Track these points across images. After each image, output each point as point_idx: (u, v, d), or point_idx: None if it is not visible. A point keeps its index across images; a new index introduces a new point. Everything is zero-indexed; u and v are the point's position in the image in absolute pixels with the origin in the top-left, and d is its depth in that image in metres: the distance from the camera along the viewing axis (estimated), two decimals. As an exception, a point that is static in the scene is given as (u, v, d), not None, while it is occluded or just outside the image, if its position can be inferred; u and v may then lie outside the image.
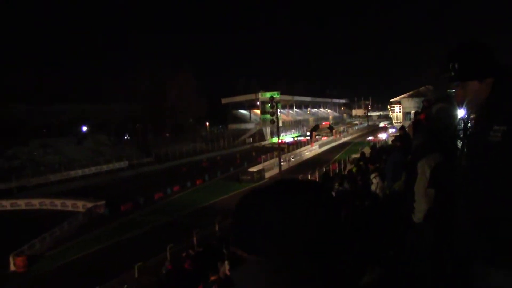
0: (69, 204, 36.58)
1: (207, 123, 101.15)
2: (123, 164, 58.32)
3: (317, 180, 32.38)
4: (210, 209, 34.01)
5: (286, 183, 1.12)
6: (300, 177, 35.77)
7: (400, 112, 58.60)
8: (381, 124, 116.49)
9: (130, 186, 44.53)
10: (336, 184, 12.83)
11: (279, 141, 49.07)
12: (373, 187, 9.08)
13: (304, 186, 1.10)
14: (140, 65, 79.36)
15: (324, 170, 39.57)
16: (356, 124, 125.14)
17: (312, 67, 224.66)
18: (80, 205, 35.80)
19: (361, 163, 14.73)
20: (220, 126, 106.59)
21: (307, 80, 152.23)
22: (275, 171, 49.42)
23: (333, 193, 11.32)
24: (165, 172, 54.16)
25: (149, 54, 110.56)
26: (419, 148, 3.83)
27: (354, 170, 14.50)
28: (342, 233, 1.03)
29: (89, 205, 35.13)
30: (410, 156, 4.61)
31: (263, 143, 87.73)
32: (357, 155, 34.78)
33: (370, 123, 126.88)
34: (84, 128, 72.32)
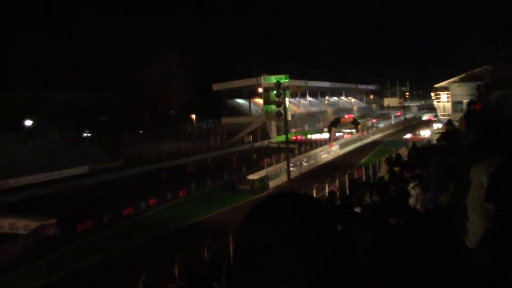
0: (5, 225, 35.66)
1: (194, 116, 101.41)
2: (82, 169, 58.29)
3: (335, 190, 32.36)
4: (197, 228, 33.99)
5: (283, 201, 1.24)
6: (314, 188, 35.80)
7: (448, 101, 58.59)
8: (425, 117, 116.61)
9: (91, 198, 44.44)
10: (367, 195, 12.74)
11: (295, 137, 49.16)
12: (411, 201, 8.99)
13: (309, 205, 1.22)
14: (111, 43, 79.86)
15: (346, 178, 39.50)
16: (389, 117, 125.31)
17: (331, 44, 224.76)
18: (22, 225, 35.04)
19: (396, 168, 14.65)
20: (211, 120, 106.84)
21: (325, 61, 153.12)
22: (282, 178, 49.36)
23: (358, 209, 11.27)
24: (139, 179, 54.01)
25: (123, 28, 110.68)
26: (472, 149, 3.76)
27: (386, 177, 14.42)
28: (353, 259, 1.19)
29: (34, 224, 34.29)
30: (460, 159, 4.53)
31: (266, 142, 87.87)
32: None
33: (408, 115, 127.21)
34: (30, 122, 71.33)
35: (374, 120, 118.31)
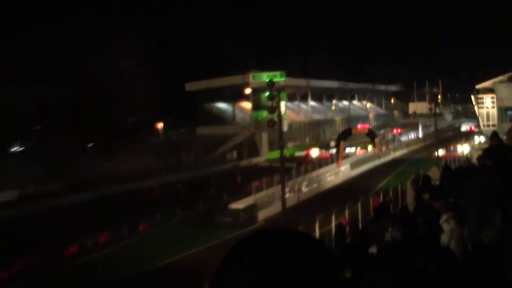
0: None
1: (162, 124, 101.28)
2: (9, 194, 57.76)
3: (345, 224, 32.22)
4: (162, 276, 33.85)
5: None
6: (317, 220, 35.69)
7: (493, 106, 58.71)
8: (464, 127, 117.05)
9: (19, 233, 43.87)
10: (389, 229, 12.70)
11: (306, 152, 48.74)
12: (444, 238, 8.93)
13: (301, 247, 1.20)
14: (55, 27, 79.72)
15: (359, 208, 39.41)
16: (416, 128, 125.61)
17: (342, 32, 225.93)
18: None
19: (424, 196, 14.61)
20: (184, 130, 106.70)
21: (333, 54, 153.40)
22: (275, 208, 49.17)
23: (375, 248, 11.24)
24: (87, 208, 53.57)
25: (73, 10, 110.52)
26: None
27: (411, 207, 14.39)
28: None
29: None
30: (509, 184, 4.49)
31: (255, 160, 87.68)
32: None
33: (441, 125, 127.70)
34: None
35: (396, 132, 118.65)
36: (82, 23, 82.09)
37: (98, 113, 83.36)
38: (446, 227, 9.01)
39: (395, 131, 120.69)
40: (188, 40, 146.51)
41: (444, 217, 9.22)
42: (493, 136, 11.98)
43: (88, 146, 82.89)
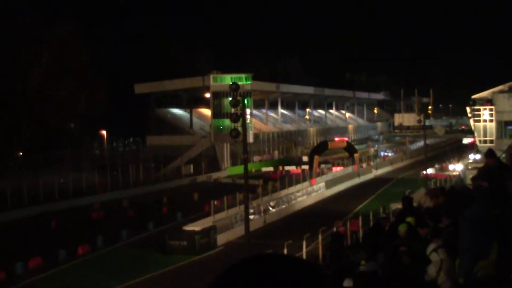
0: None
1: (105, 133, 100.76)
2: None
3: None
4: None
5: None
6: (285, 246, 35.70)
7: (491, 120, 59.06)
8: (466, 141, 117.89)
9: None
10: (363, 262, 12.75)
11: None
12: (431, 270, 8.93)
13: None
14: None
15: (335, 232, 39.46)
16: (404, 140, 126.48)
17: (319, 29, 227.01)
18: None
19: (409, 219, 14.70)
20: (131, 139, 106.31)
21: (308, 55, 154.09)
22: (237, 231, 49.09)
23: (352, 281, 11.26)
24: (14, 229, 53.25)
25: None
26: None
27: (403, 229, 14.47)
28: None
29: None
30: (508, 211, 4.47)
31: (215, 175, 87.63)
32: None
33: (431, 140, 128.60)
34: None
35: (379, 147, 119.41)
36: (14, 20, 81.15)
37: (30, 119, 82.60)
38: (434, 257, 9.00)
39: (378, 146, 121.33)
40: (139, 37, 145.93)
41: (432, 246, 9.22)
42: (489, 154, 12.00)
43: (18, 156, 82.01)
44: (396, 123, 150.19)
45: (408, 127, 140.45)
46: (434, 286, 8.50)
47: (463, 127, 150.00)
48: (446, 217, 10.43)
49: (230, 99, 45.06)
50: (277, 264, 1.21)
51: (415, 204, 20.54)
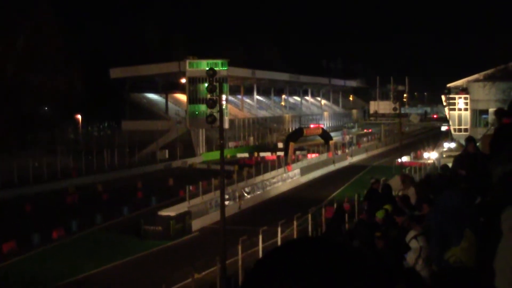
0: None
1: (80, 117, 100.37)
2: None
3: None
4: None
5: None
6: (260, 232, 35.79)
7: (466, 108, 59.39)
8: (444, 128, 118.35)
9: None
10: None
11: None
12: (410, 256, 9.01)
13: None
14: None
15: (311, 219, 39.68)
16: (379, 127, 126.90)
17: (293, 14, 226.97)
18: None
19: (386, 206, 14.82)
20: (106, 124, 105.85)
21: (285, 41, 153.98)
22: (212, 217, 49.13)
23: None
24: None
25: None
26: (505, 184, 3.76)
27: (380, 215, 14.56)
28: None
29: None
30: (484, 199, 4.56)
31: (190, 160, 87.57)
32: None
33: (408, 128, 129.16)
34: None
35: (353, 134, 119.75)
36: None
37: (5, 102, 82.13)
38: (414, 244, 9.08)
39: (352, 133, 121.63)
40: (114, 21, 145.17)
41: (412, 233, 9.30)
42: (469, 142, 12.09)
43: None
44: (371, 111, 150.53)
45: (383, 115, 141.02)
46: (413, 271, 8.59)
47: (434, 115, 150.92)
48: (426, 204, 10.53)
49: (207, 84, 45.06)
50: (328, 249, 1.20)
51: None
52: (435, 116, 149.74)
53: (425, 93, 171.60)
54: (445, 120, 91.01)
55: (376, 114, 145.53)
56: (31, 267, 39.05)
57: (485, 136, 12.19)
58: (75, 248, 43.40)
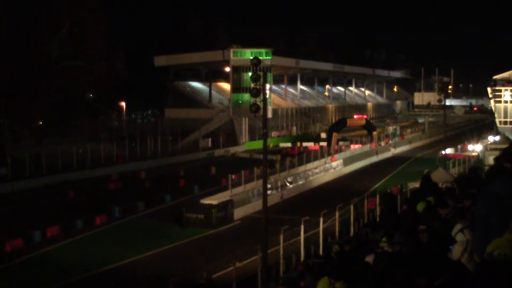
0: None
1: (124, 105, 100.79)
2: None
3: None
4: (119, 277, 33.82)
5: None
6: (302, 222, 35.62)
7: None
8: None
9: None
10: (383, 239, 12.70)
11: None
12: (456, 250, 8.86)
13: None
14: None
15: (353, 209, 39.52)
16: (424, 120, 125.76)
17: (336, 4, 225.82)
18: None
19: (429, 199, 14.59)
20: (150, 111, 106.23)
21: (328, 32, 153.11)
22: (254, 206, 49.08)
23: (370, 258, 11.22)
24: (33, 197, 53.53)
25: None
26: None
27: (420, 208, 14.35)
28: None
29: None
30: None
31: (233, 149, 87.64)
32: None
33: (453, 120, 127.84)
34: None
35: (398, 125, 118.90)
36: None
37: (49, 88, 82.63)
38: (460, 237, 8.91)
39: (397, 124, 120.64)
40: (158, 9, 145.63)
41: (458, 226, 9.14)
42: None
43: (37, 125, 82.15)
44: (415, 102, 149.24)
45: (427, 106, 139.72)
46: (458, 265, 8.44)
47: (475, 108, 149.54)
48: (466, 198, 10.34)
49: (251, 73, 44.91)
50: None
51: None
52: (475, 108, 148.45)
53: (470, 85, 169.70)
54: (486, 112, 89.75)
55: (419, 106, 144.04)
56: (74, 252, 39.36)
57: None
58: (117, 234, 43.70)
